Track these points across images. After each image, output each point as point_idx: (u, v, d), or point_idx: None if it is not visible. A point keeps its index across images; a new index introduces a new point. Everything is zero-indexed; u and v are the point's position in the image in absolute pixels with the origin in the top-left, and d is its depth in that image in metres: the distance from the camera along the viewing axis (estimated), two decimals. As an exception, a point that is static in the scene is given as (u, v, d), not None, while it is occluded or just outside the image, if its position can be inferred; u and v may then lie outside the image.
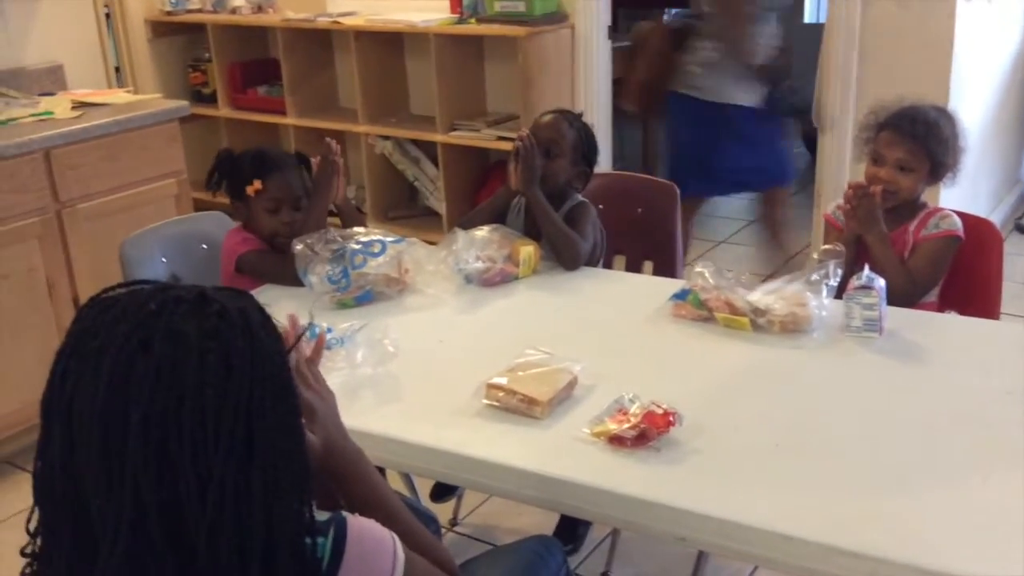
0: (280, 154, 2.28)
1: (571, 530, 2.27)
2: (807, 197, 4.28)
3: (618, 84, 4.04)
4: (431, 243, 2.18)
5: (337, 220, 2.30)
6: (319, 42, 4.49)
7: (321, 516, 1.05)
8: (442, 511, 2.42)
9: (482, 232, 2.13)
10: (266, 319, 1.02)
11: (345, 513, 1.10)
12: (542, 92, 3.79)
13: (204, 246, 2.35)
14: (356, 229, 2.09)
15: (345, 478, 1.22)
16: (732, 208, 5.23)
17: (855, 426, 1.53)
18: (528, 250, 2.14)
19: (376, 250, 2.00)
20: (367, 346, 1.70)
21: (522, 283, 2.13)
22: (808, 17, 7.10)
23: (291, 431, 1.00)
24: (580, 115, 2.44)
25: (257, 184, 2.16)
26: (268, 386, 0.97)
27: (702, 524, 1.33)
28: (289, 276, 2.05)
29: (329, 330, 1.72)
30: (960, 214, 2.16)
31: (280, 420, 0.98)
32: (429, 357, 1.80)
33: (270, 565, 0.95)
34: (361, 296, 2.00)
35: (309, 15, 4.32)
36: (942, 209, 2.14)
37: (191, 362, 0.92)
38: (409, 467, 1.66)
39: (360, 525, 1.09)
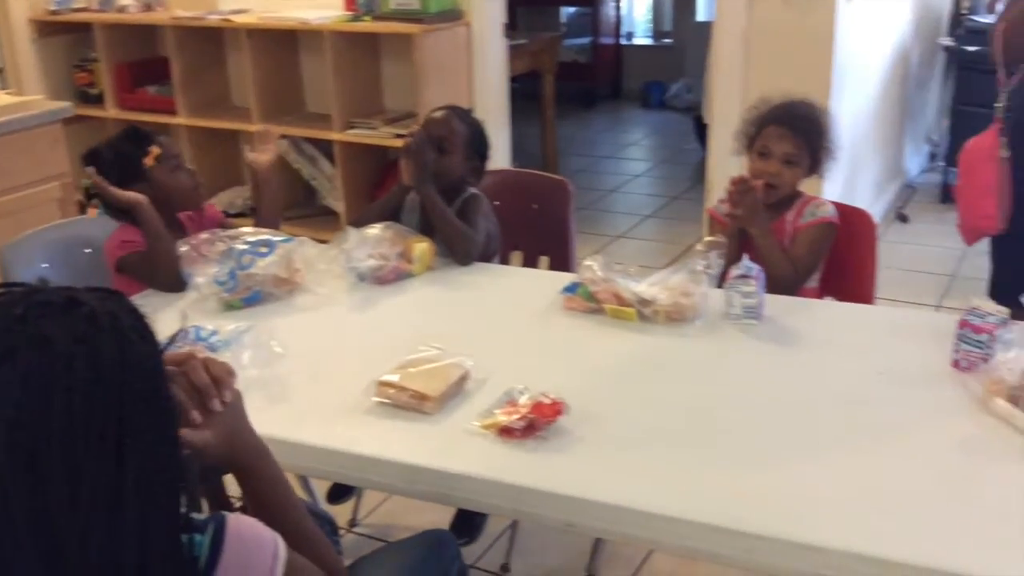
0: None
1: (467, 523, 2.28)
2: (699, 192, 4.39)
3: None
4: (328, 243, 2.17)
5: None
6: (210, 40, 4.40)
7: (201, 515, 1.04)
8: (340, 512, 2.40)
9: (374, 230, 2.12)
10: (138, 321, 1.00)
11: (226, 513, 1.09)
12: (439, 90, 3.79)
13: (88, 250, 2.29)
14: (243, 229, 2.06)
15: (246, 474, 1.20)
16: (629, 203, 5.33)
17: (736, 409, 1.58)
18: (422, 247, 2.14)
19: (264, 250, 1.98)
20: (254, 348, 1.68)
21: (416, 280, 2.13)
22: (701, 15, 7.28)
23: (164, 434, 0.98)
24: (471, 111, 2.45)
25: (155, 149, 2.14)
26: (139, 390, 0.95)
27: (589, 509, 1.36)
28: (171, 277, 2.01)
29: (214, 333, 1.69)
30: (836, 204, 2.24)
31: (153, 424, 0.96)
32: (319, 357, 1.79)
33: (144, 568, 0.93)
34: (249, 297, 1.97)
35: (199, 13, 4.24)
36: (816, 198, 2.23)
37: (58, 368, 0.90)
38: (299, 468, 1.65)
39: (240, 524, 1.08)
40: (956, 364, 1.64)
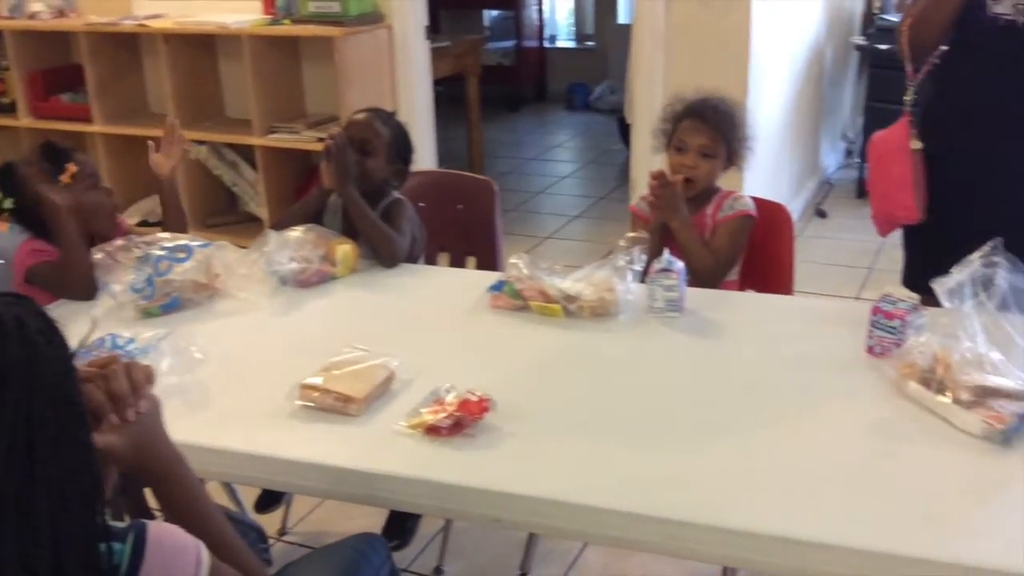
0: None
1: (400, 527, 2.26)
2: (625, 192, 4.44)
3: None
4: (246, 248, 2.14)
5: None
6: (125, 46, 4.31)
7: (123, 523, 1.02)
8: (270, 521, 2.37)
9: (296, 232, 2.09)
10: (46, 325, 0.97)
11: (147, 520, 1.06)
12: (361, 93, 3.77)
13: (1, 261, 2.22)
14: (160, 235, 2.02)
15: (160, 483, 1.19)
16: (557, 204, 5.36)
17: (659, 400, 1.60)
18: (345, 249, 2.13)
19: (182, 255, 1.94)
20: (173, 354, 1.64)
21: (340, 283, 2.11)
22: (622, 17, 7.37)
23: (76, 440, 0.96)
24: (394, 113, 2.44)
25: (72, 167, 2.08)
26: (48, 395, 0.93)
27: (516, 504, 1.36)
28: (84, 286, 1.96)
29: (131, 341, 1.65)
30: (754, 199, 2.29)
31: (63, 429, 0.94)
32: (241, 362, 1.76)
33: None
34: (167, 304, 1.93)
35: (114, 18, 4.15)
36: (734, 192, 2.27)
37: None
38: (222, 475, 1.62)
39: (161, 532, 1.06)
40: (870, 350, 1.69)
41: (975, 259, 1.60)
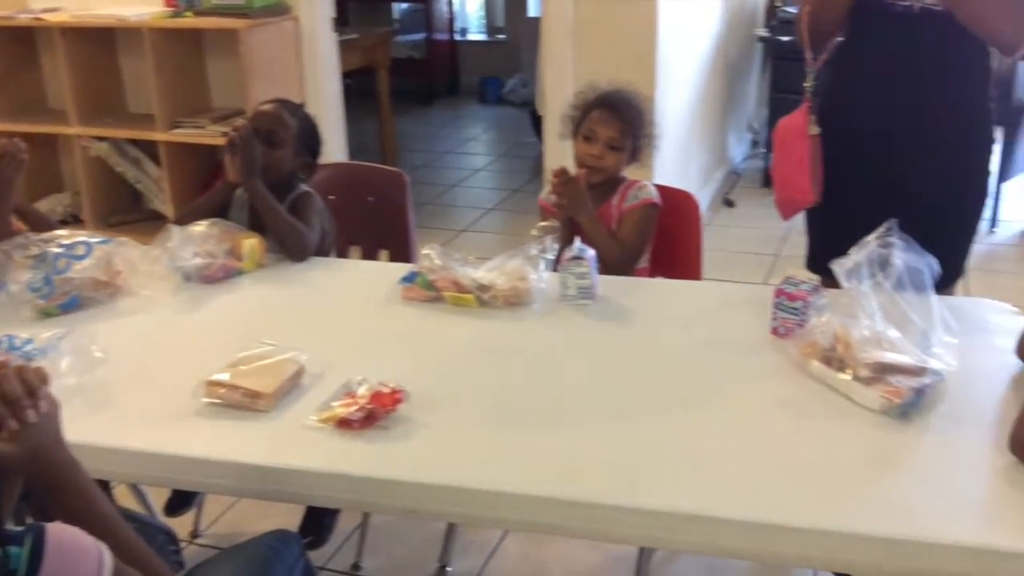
0: None
1: (316, 524, 2.23)
2: (539, 185, 4.46)
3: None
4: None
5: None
6: (22, 41, 4.15)
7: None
8: (181, 524, 2.31)
9: (200, 227, 2.05)
10: None
11: (47, 523, 1.03)
12: (268, 86, 3.70)
13: None
14: (57, 232, 1.95)
15: (55, 489, 1.15)
16: (471, 198, 5.36)
17: (573, 385, 1.61)
18: (251, 243, 2.09)
19: (81, 252, 1.87)
20: (73, 354, 1.59)
21: (247, 277, 2.07)
22: (532, 10, 7.40)
23: None
24: (301, 105, 2.40)
25: None
26: None
27: (431, 494, 1.36)
28: None
29: (29, 341, 1.59)
30: (661, 187, 2.32)
31: None
32: (144, 361, 1.71)
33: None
34: (66, 303, 1.86)
35: (9, 12, 4.00)
36: (638, 181, 2.30)
37: None
38: (128, 476, 1.58)
39: (61, 535, 1.03)
40: (775, 331, 1.73)
41: (872, 240, 1.65)
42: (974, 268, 2.33)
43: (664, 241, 2.31)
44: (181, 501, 2.28)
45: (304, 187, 2.30)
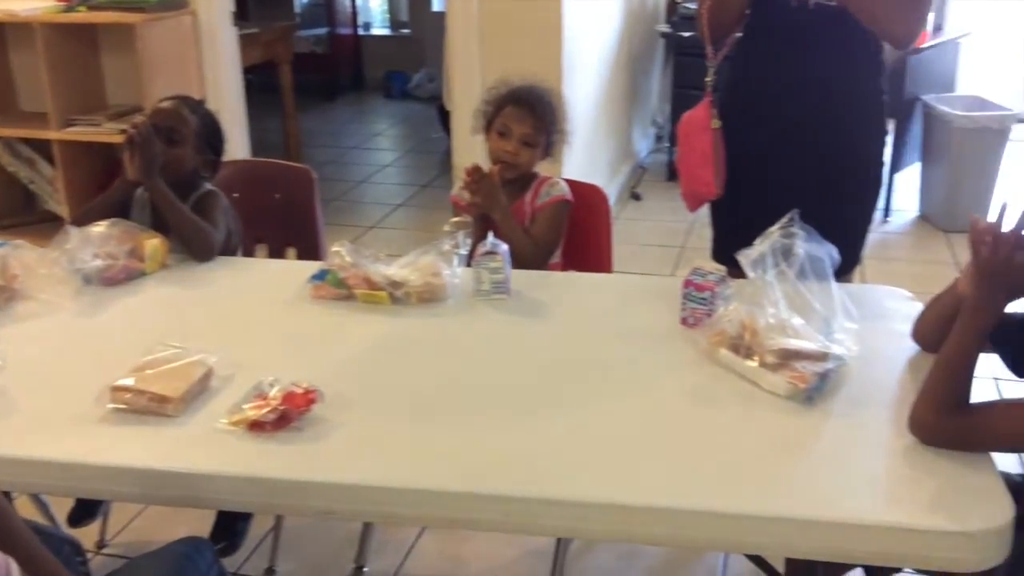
0: None
1: (228, 530, 2.19)
2: (448, 180, 4.45)
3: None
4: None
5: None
6: (-100, 35, 3.94)
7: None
8: (87, 534, 2.24)
9: (100, 228, 1.98)
10: None
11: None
12: (167, 81, 3.60)
13: None
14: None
15: None
16: (379, 194, 5.32)
17: (489, 380, 1.62)
18: (154, 243, 2.03)
19: (-28, 256, 1.80)
20: (-33, 361, 1.52)
21: (150, 279, 2.02)
22: (436, 5, 7.37)
23: None
24: (203, 102, 2.35)
25: None
26: None
27: (348, 494, 1.35)
28: None
29: (-83, 348, 1.52)
30: (571, 182, 2.34)
31: None
32: (44, 367, 1.65)
33: None
34: (-41, 308, 1.79)
35: None
36: (551, 177, 2.31)
37: None
38: (30, 486, 1.52)
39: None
40: (684, 321, 1.77)
41: (775, 231, 1.70)
42: (869, 256, 2.42)
43: (575, 235, 2.33)
44: (85, 511, 2.20)
45: (208, 185, 2.25)
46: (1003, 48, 5.82)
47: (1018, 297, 1.39)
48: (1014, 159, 4.62)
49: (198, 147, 2.23)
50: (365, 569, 2.27)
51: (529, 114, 2.23)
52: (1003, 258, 1.34)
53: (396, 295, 1.88)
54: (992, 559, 1.22)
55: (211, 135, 2.27)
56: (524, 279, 1.98)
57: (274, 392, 1.47)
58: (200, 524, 2.19)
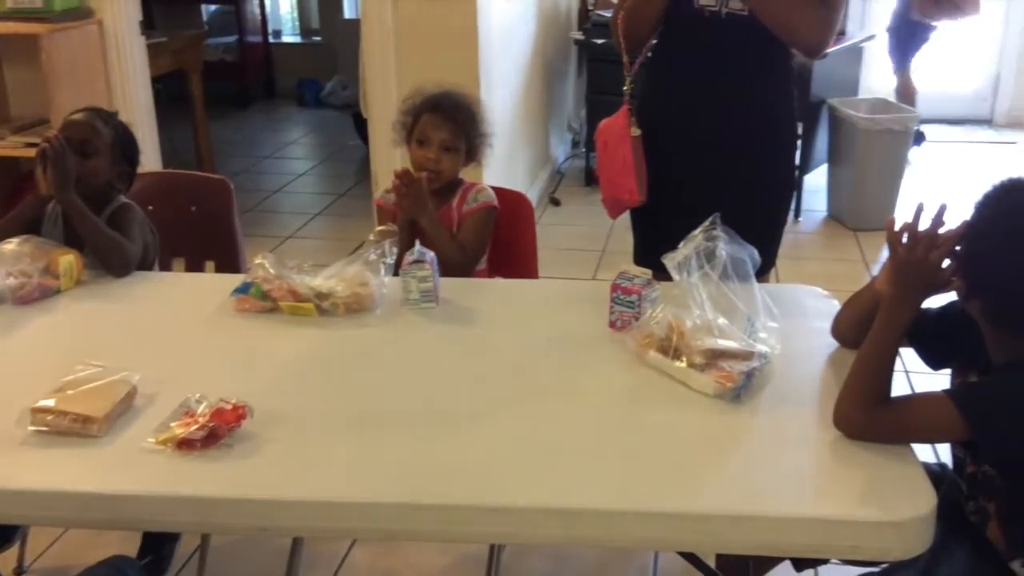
0: None
1: (155, 551, 2.13)
2: (366, 187, 4.42)
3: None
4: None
5: None
6: None
7: None
8: (4, 561, 2.16)
9: (10, 245, 1.91)
10: None
11: None
12: (73, 92, 3.49)
13: None
14: None
15: None
16: (296, 203, 5.25)
17: (421, 389, 1.61)
18: (68, 259, 1.97)
19: None
20: None
21: (65, 296, 1.95)
22: (348, 12, 7.32)
23: None
24: (115, 113, 2.29)
25: None
26: None
27: (282, 510, 1.33)
28: None
29: None
30: (495, 188, 2.35)
31: None
32: (-44, 391, 1.59)
33: None
34: None
35: None
36: (477, 183, 2.32)
37: None
38: (-55, 516, 1.46)
39: None
40: (612, 325, 1.79)
41: (698, 234, 1.73)
42: (782, 256, 2.48)
43: (500, 242, 2.34)
44: (2, 537, 2.11)
45: (123, 198, 2.19)
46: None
47: (933, 294, 1.45)
48: (917, 158, 4.81)
49: (112, 159, 2.17)
50: (296, 585, 2.24)
51: (446, 120, 2.23)
52: (919, 257, 1.40)
53: (323, 306, 1.86)
54: (918, 547, 1.27)
55: (125, 147, 2.22)
56: (453, 287, 1.98)
57: (202, 409, 1.45)
58: (123, 545, 2.12)
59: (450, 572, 2.32)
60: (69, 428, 1.43)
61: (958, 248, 1.40)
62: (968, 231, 1.40)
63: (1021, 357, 1.40)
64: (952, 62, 6.58)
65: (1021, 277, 1.36)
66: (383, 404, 1.57)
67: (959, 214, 1.43)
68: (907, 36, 5.41)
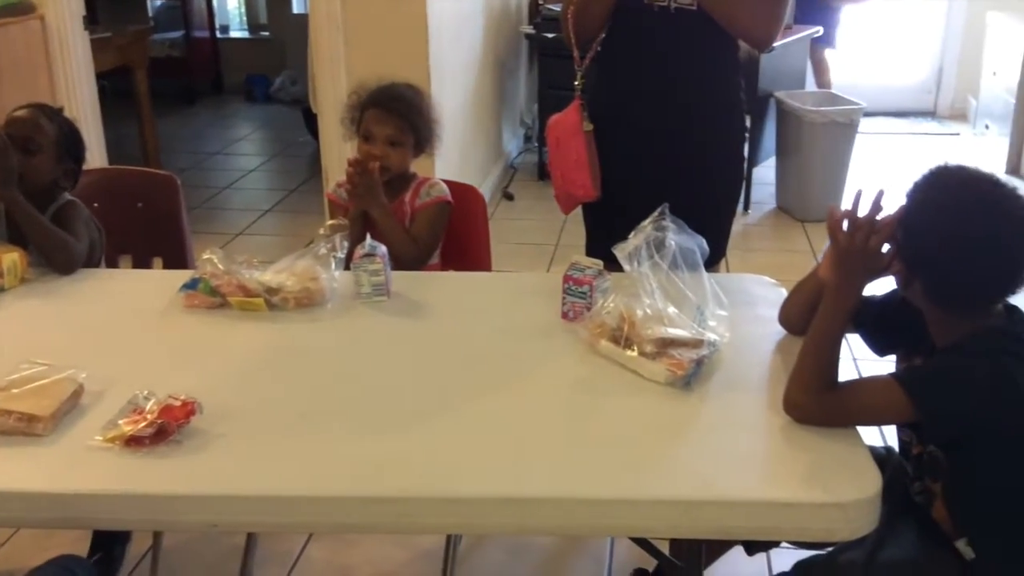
0: None
1: (107, 550, 2.10)
2: (317, 183, 4.39)
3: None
4: None
5: None
6: None
7: None
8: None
9: (-49, 244, 1.87)
10: None
11: None
12: (15, 90, 3.42)
13: None
14: None
15: None
16: (246, 199, 5.19)
17: (374, 383, 1.60)
18: (11, 257, 1.93)
19: None
20: None
21: (8, 295, 1.92)
22: (296, 7, 7.25)
23: None
24: (60, 109, 2.25)
25: None
26: None
27: (233, 506, 1.32)
28: None
29: None
30: (448, 182, 2.35)
31: None
32: None
33: None
34: None
35: None
36: (430, 178, 2.32)
37: None
38: None
39: None
40: (565, 315, 1.80)
41: (647, 224, 1.75)
42: (732, 248, 2.51)
43: (453, 237, 2.34)
44: (-56, 544, 2.07)
45: (68, 196, 2.16)
46: (848, 44, 6.14)
47: (875, 279, 1.48)
48: (863, 150, 4.89)
49: (57, 156, 2.14)
50: (250, 583, 2.22)
51: (390, 115, 2.23)
52: (860, 243, 1.43)
53: (273, 301, 1.84)
54: (864, 528, 1.29)
55: (70, 144, 2.18)
56: (404, 280, 1.97)
57: (150, 406, 1.43)
58: (75, 548, 2.08)
59: (407, 567, 2.31)
60: (14, 427, 1.41)
61: (897, 234, 1.43)
62: (905, 213, 1.43)
63: (963, 339, 1.43)
64: (896, 55, 6.71)
65: (957, 250, 1.39)
66: (334, 398, 1.56)
67: (899, 201, 1.46)
68: (817, 17, 5.53)
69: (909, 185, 1.47)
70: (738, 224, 4.53)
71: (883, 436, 2.05)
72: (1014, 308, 1.48)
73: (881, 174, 5.25)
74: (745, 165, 2.67)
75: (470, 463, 1.38)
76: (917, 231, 1.42)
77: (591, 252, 2.38)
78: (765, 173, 4.98)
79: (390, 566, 2.31)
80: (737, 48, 2.27)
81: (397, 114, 2.23)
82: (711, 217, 2.30)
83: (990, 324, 1.44)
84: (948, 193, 1.44)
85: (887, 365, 1.63)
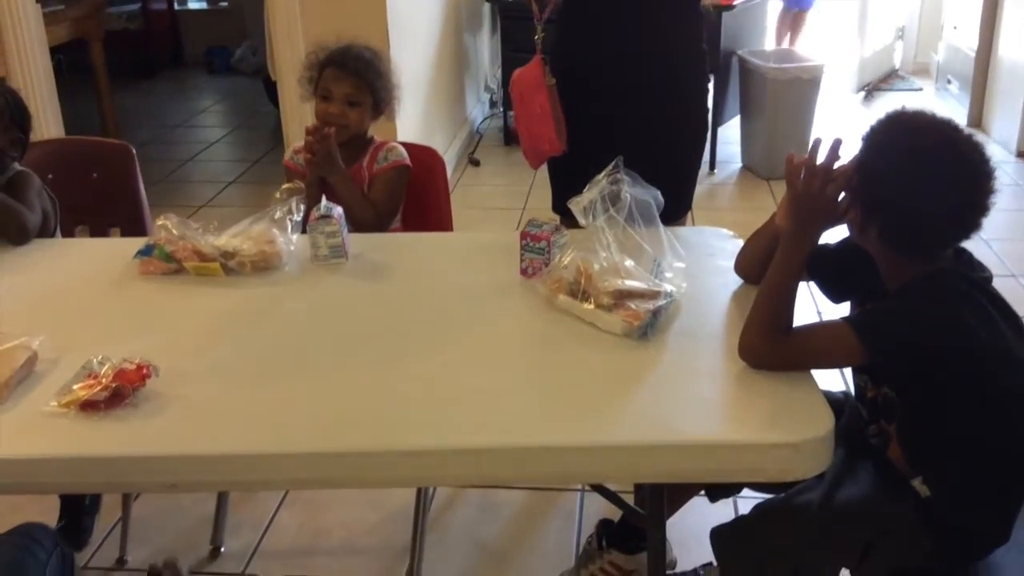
0: None
1: (73, 521, 2.10)
2: (280, 153, 4.34)
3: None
4: None
5: None
6: None
7: None
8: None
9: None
10: None
11: None
12: (-36, 62, 3.36)
13: None
14: None
15: None
16: (209, 172, 5.14)
17: (333, 343, 1.60)
18: (-38, 229, 1.90)
19: None
20: None
21: (-40, 266, 1.89)
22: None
23: None
24: (2, 79, 2.20)
25: None
26: None
27: (190, 466, 1.31)
28: None
29: None
30: (407, 144, 2.33)
31: None
32: None
33: None
34: None
35: None
36: (388, 142, 2.30)
37: None
38: None
39: None
40: (524, 272, 1.80)
41: (601, 178, 1.74)
42: (697, 207, 2.52)
43: (413, 199, 2.33)
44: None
45: (18, 166, 2.12)
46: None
47: (831, 227, 1.49)
48: (826, 107, 4.91)
49: (3, 127, 2.10)
50: (222, 549, 2.22)
51: (348, 74, 2.20)
52: (816, 190, 1.43)
53: (229, 265, 1.83)
54: (817, 467, 1.31)
55: (16, 112, 2.13)
56: (363, 242, 1.97)
57: (105, 370, 1.42)
58: (42, 518, 2.08)
59: (378, 528, 2.32)
60: (-34, 396, 1.39)
61: (854, 180, 1.44)
62: (862, 157, 1.44)
63: (914, 281, 1.45)
64: (858, 11, 6.71)
65: (915, 192, 1.40)
66: (292, 358, 1.55)
67: (856, 148, 1.47)
68: None
69: (865, 129, 1.48)
70: (704, 184, 4.55)
71: (845, 380, 2.07)
72: (962, 250, 1.50)
73: (844, 131, 5.28)
74: (710, 117, 2.67)
75: (427, 416, 1.38)
76: (876, 174, 1.43)
77: (557, 208, 2.39)
78: (730, 133, 4.99)
79: (363, 527, 2.32)
80: (698, 2, 2.27)
81: (355, 73, 2.21)
82: (676, 170, 2.31)
83: (940, 266, 1.46)
84: (907, 136, 1.44)
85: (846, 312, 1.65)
